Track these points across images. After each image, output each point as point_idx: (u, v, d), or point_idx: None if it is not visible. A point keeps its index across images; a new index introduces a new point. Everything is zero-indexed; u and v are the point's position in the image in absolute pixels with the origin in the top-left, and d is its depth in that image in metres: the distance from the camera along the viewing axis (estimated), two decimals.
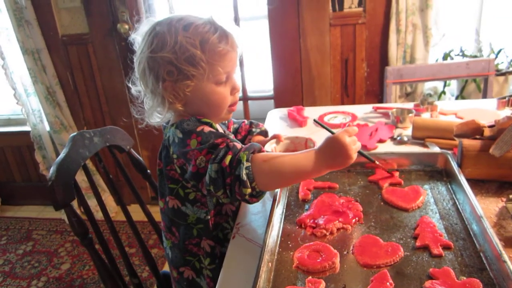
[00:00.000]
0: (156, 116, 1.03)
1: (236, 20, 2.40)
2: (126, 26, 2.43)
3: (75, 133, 1.18)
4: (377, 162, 1.04)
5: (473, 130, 1.03)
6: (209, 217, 1.02)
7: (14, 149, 2.96)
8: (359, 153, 0.86)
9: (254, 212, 1.03)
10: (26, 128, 2.77)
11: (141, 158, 1.38)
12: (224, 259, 0.91)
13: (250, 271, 0.83)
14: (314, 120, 0.97)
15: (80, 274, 2.33)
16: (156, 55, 0.91)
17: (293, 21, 2.33)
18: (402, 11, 2.17)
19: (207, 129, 0.92)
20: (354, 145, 0.82)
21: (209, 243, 1.04)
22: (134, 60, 0.98)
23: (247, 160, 0.81)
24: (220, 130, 1.09)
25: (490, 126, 1.01)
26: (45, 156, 2.81)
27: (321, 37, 2.33)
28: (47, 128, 2.72)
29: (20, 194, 3.10)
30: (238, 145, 0.87)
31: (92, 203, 2.55)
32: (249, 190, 0.81)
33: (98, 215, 2.45)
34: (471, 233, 0.82)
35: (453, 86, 2.39)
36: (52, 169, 1.05)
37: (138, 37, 0.98)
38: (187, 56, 0.90)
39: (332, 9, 2.27)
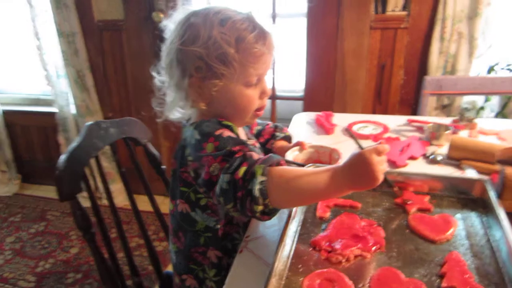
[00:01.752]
0: (177, 111, 0.97)
1: (274, 17, 2.32)
2: (161, 15, 2.39)
3: (91, 122, 1.14)
4: (396, 188, 0.94)
5: None
6: (218, 226, 0.95)
7: (40, 129, 2.99)
8: None
9: (267, 225, 0.96)
10: (53, 109, 2.78)
11: (157, 153, 1.33)
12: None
13: None
14: (347, 130, 0.88)
15: (87, 260, 2.33)
16: (186, 48, 0.85)
17: (332, 21, 2.23)
18: (448, 17, 2.04)
19: (226, 133, 0.85)
20: (381, 166, 0.72)
21: (216, 253, 0.97)
22: (163, 49, 0.92)
23: (262, 174, 0.73)
24: (242, 134, 1.03)
25: None
26: (68, 139, 2.82)
27: (359, 40, 2.23)
28: (73, 111, 2.73)
29: (40, 174, 3.14)
30: (256, 155, 0.79)
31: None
32: (261, 208, 0.74)
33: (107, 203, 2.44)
34: (505, 278, 0.72)
35: (494, 101, 2.24)
36: (62, 158, 1.01)
37: (170, 25, 0.92)
38: (220, 54, 0.83)
39: (374, 11, 2.16)
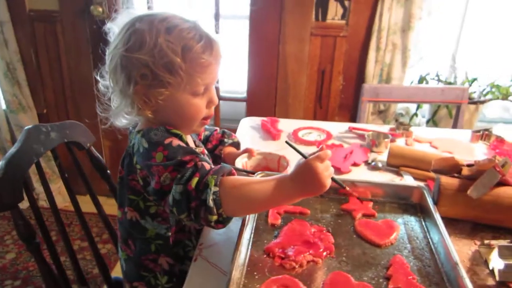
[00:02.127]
0: (123, 117, 0.94)
1: (217, 17, 2.32)
2: (100, 9, 2.30)
3: (30, 126, 1.08)
4: (347, 189, 1.00)
5: (451, 167, 1.01)
6: (169, 233, 0.95)
7: None
8: (331, 178, 0.81)
9: (218, 231, 0.97)
10: None
11: (101, 157, 1.29)
12: (183, 278, 0.84)
13: None
14: (286, 142, 0.91)
15: (26, 265, 2.20)
16: (131, 55, 0.83)
17: (274, 25, 2.28)
18: (384, 29, 2.16)
19: (175, 142, 0.84)
20: (326, 172, 0.77)
21: (168, 260, 0.97)
22: (107, 53, 0.89)
23: (215, 185, 0.75)
24: (190, 142, 1.02)
25: (469, 165, 0.99)
26: None
27: (300, 45, 2.29)
28: (3, 106, 2.56)
29: None
30: (207, 165, 0.80)
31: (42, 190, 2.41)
32: (215, 217, 0.75)
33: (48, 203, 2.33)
34: (444, 278, 0.79)
35: (425, 108, 2.41)
36: None
37: (115, 28, 0.88)
38: (166, 62, 0.82)
39: (315, 18, 2.24)
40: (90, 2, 2.31)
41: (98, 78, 0.93)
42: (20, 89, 2.51)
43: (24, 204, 0.98)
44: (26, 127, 1.07)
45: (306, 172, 0.76)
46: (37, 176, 2.46)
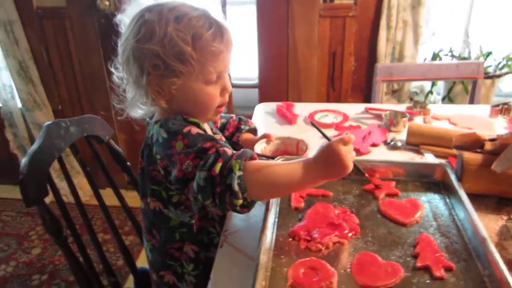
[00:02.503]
0: (139, 108, 0.94)
1: (224, 4, 2.30)
2: (107, 2, 2.29)
3: (49, 122, 1.09)
4: (366, 175, 0.99)
5: (474, 143, 0.99)
6: (193, 221, 0.96)
7: None
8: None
9: (241, 217, 0.97)
10: None
11: (120, 150, 1.30)
12: (209, 264, 0.85)
13: (240, 284, 0.78)
14: (312, 123, 0.91)
15: (51, 260, 2.24)
16: (142, 45, 0.82)
17: (282, 10, 2.25)
18: (393, 6, 2.12)
19: (194, 130, 0.85)
20: (349, 154, 0.77)
21: (193, 248, 0.98)
22: (119, 45, 0.89)
23: (239, 169, 0.75)
24: (208, 130, 1.02)
25: (491, 140, 0.98)
26: (16, 134, 2.67)
27: (309, 28, 2.27)
28: (19, 105, 2.59)
29: None
30: (229, 151, 0.80)
31: (66, 185, 2.44)
32: (240, 201, 0.75)
33: (71, 198, 2.36)
34: (472, 254, 0.79)
35: (440, 85, 2.38)
36: (23, 162, 0.96)
37: (125, 19, 0.88)
38: (176, 52, 0.81)
39: (322, 0, 2.21)
40: None
41: (112, 69, 0.93)
42: (34, 87, 2.53)
43: (47, 199, 1.00)
44: (46, 123, 1.08)
45: (330, 155, 0.76)
46: (57, 172, 2.52)
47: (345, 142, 0.76)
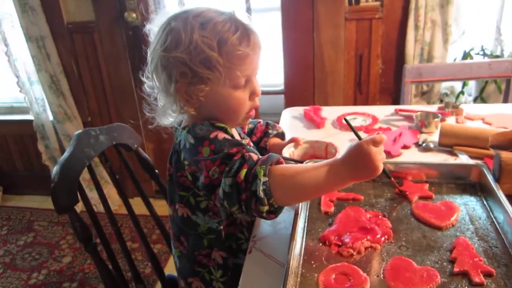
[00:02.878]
0: (169, 115, 0.95)
1: (248, 11, 2.31)
2: (134, 15, 2.34)
3: (80, 131, 1.11)
4: (392, 179, 0.96)
5: (511, 142, 0.95)
6: (221, 227, 0.95)
7: (17, 138, 2.89)
8: None
9: (270, 223, 0.96)
10: (29, 117, 2.69)
11: (149, 158, 1.31)
12: (237, 271, 0.84)
13: None
14: (345, 119, 0.88)
15: (81, 268, 2.28)
16: (169, 54, 0.83)
17: (307, 14, 2.24)
18: (421, 6, 2.08)
19: (221, 135, 0.84)
20: (380, 155, 0.74)
21: (221, 254, 0.97)
22: (148, 54, 0.90)
23: (264, 175, 0.74)
24: (235, 134, 1.02)
25: None
26: (48, 146, 2.75)
27: (335, 32, 2.24)
28: (51, 117, 2.66)
29: (22, 184, 3.04)
30: (255, 156, 0.79)
31: (94, 195, 2.49)
32: (266, 208, 0.74)
33: (100, 208, 2.40)
34: None
35: (471, 86, 2.30)
36: (55, 170, 0.98)
37: (154, 28, 0.89)
38: (202, 58, 0.81)
39: (348, 3, 2.18)
40: (124, 9, 2.36)
41: (143, 79, 0.94)
42: (64, 100, 2.60)
43: (78, 209, 1.01)
44: (76, 132, 1.09)
45: (359, 155, 0.73)
46: (86, 182, 2.57)
47: (376, 143, 0.73)
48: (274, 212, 0.76)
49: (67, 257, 2.38)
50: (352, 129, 0.86)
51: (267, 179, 0.74)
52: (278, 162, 0.79)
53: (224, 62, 0.82)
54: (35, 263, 2.34)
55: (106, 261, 1.07)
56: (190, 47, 0.81)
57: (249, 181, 0.74)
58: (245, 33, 0.85)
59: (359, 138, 0.78)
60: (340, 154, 1.08)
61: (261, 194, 0.73)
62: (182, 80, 0.85)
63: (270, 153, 0.80)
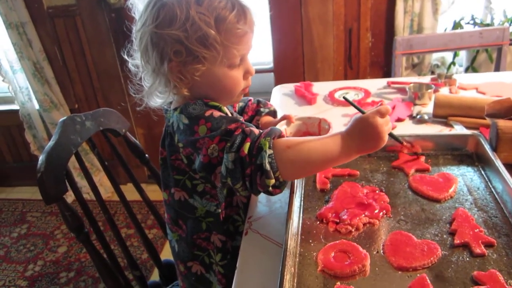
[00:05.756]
0: (157, 96, 0.91)
1: None
2: None
3: (64, 118, 1.07)
4: (405, 144, 0.95)
5: (508, 110, 0.93)
6: (219, 210, 0.92)
7: (3, 129, 2.82)
8: (389, 134, 0.77)
9: (265, 203, 0.94)
10: (15, 106, 2.63)
11: (138, 142, 1.28)
12: (236, 254, 0.82)
13: (267, 272, 0.75)
14: (344, 97, 0.86)
15: (77, 257, 2.26)
16: (162, 31, 0.78)
17: None
18: None
19: (216, 113, 0.81)
20: (386, 126, 0.74)
21: (220, 237, 0.95)
22: (134, 31, 0.85)
23: (269, 148, 0.71)
24: (228, 113, 0.99)
25: None
26: (35, 136, 2.69)
27: (323, 6, 2.20)
28: (36, 106, 2.59)
29: (12, 175, 2.99)
30: (256, 130, 0.76)
31: (87, 183, 2.45)
32: (272, 181, 0.72)
33: (93, 196, 2.38)
34: None
35: (462, 56, 2.28)
36: (40, 159, 0.95)
37: (139, 3, 0.84)
38: (200, 36, 0.77)
39: None
40: None
41: (126, 57, 0.90)
42: (50, 87, 2.54)
43: (69, 198, 0.98)
44: (61, 119, 1.06)
45: (366, 127, 0.73)
46: (78, 170, 2.53)
47: (382, 114, 0.73)
48: (279, 187, 0.74)
49: (63, 247, 2.36)
50: (353, 105, 0.84)
51: (272, 151, 0.72)
52: (281, 136, 0.77)
53: (221, 40, 0.79)
54: (30, 255, 2.32)
55: (101, 250, 1.04)
56: (186, 24, 0.77)
57: (253, 155, 0.72)
58: (242, 11, 0.81)
59: (362, 112, 0.77)
60: (333, 130, 1.07)
61: (267, 166, 0.71)
62: (176, 59, 0.80)
63: (272, 127, 0.78)
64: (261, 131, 0.76)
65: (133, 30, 0.85)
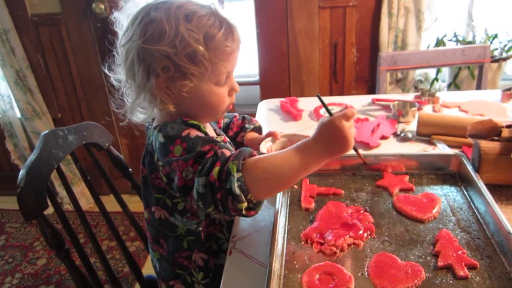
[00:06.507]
0: (139, 111, 0.89)
1: (221, 1, 2.25)
2: (102, 6, 2.25)
3: (46, 132, 1.05)
4: (362, 157, 0.93)
5: (490, 130, 0.95)
6: (200, 228, 0.91)
7: None
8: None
9: (249, 221, 0.93)
10: None
11: (121, 156, 1.26)
12: (219, 272, 0.81)
13: None
14: (317, 96, 0.86)
15: (57, 270, 2.21)
16: (151, 46, 0.77)
17: (280, 2, 2.20)
18: None
19: (193, 133, 0.80)
20: (352, 129, 0.73)
21: (202, 256, 0.94)
22: (118, 45, 0.84)
23: (237, 171, 0.70)
24: (211, 131, 0.98)
25: (508, 126, 0.93)
26: (16, 145, 2.64)
27: (309, 20, 2.22)
28: (18, 115, 2.55)
29: None
30: (227, 152, 0.75)
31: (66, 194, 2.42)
32: (245, 204, 0.70)
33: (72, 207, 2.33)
34: (497, 250, 0.74)
35: (445, 72, 2.32)
36: (20, 174, 0.93)
37: (123, 18, 0.83)
38: (188, 52, 0.77)
39: None
40: (91, 0, 2.26)
41: (107, 72, 0.89)
42: (32, 96, 2.50)
43: (49, 210, 0.96)
44: (43, 133, 1.04)
45: (332, 130, 0.72)
46: (60, 180, 2.48)
47: (347, 117, 0.72)
48: (253, 208, 0.73)
49: (42, 259, 2.30)
50: (323, 105, 0.84)
51: (241, 174, 0.70)
52: (251, 155, 0.75)
53: (210, 57, 0.79)
54: (8, 267, 2.26)
55: (80, 266, 1.02)
56: (175, 40, 0.76)
57: (222, 179, 0.71)
58: (229, 29, 0.81)
59: (330, 114, 0.76)
60: None
61: (237, 191, 0.69)
62: (163, 74, 0.80)
63: (242, 148, 0.76)
64: (232, 152, 0.75)
65: (117, 45, 0.85)
